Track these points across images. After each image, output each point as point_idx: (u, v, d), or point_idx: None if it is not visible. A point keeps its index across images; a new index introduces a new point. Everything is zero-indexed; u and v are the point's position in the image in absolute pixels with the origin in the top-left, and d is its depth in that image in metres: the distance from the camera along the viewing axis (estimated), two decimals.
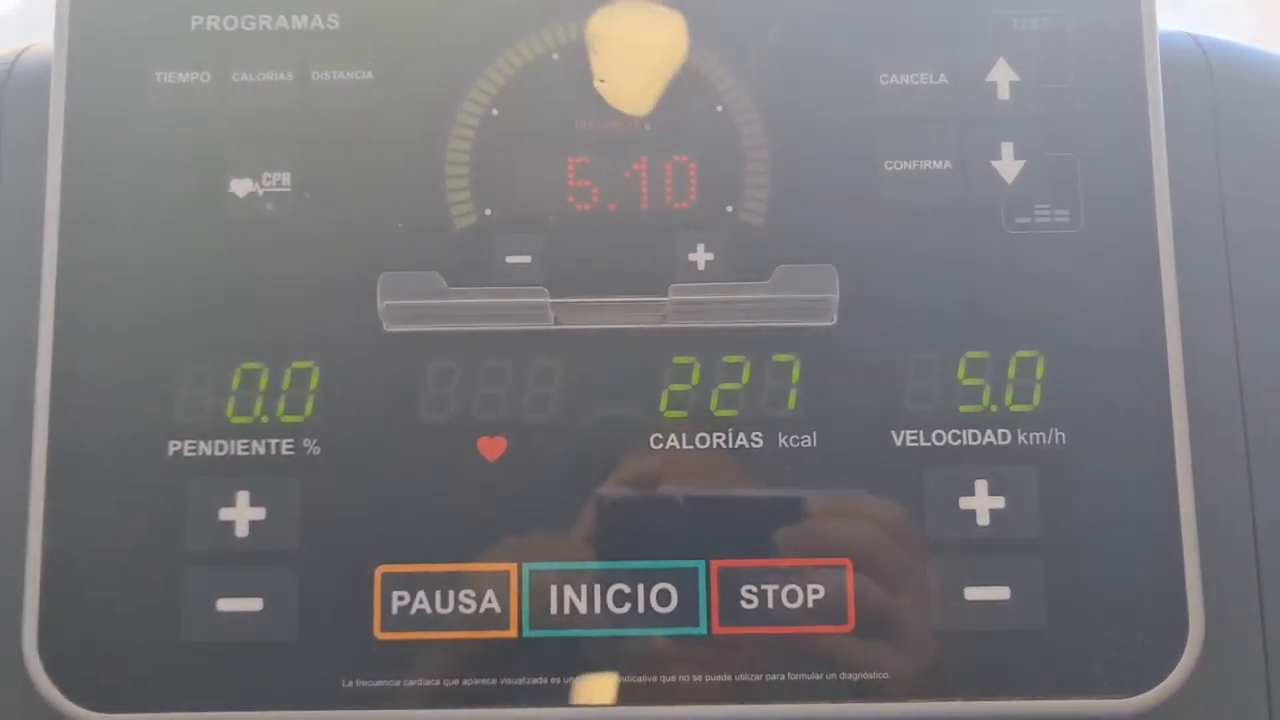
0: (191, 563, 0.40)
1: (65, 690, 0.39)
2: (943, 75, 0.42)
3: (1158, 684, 0.39)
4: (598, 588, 0.40)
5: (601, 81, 0.42)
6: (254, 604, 0.40)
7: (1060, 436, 0.40)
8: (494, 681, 0.39)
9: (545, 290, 0.41)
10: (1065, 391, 0.41)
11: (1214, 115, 0.44)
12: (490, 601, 0.40)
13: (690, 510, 0.40)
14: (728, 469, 0.40)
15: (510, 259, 0.41)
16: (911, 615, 0.39)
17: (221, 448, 0.41)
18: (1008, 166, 0.42)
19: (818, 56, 0.42)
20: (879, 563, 0.40)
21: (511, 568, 0.40)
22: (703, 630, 0.39)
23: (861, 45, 0.42)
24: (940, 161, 0.42)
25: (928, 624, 0.39)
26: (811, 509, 0.40)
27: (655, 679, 0.39)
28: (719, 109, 0.42)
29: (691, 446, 0.40)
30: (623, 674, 0.39)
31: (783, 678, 0.39)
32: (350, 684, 0.39)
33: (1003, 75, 0.42)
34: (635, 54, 0.42)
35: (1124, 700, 0.39)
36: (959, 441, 0.40)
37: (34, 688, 0.39)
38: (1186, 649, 0.39)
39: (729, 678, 0.39)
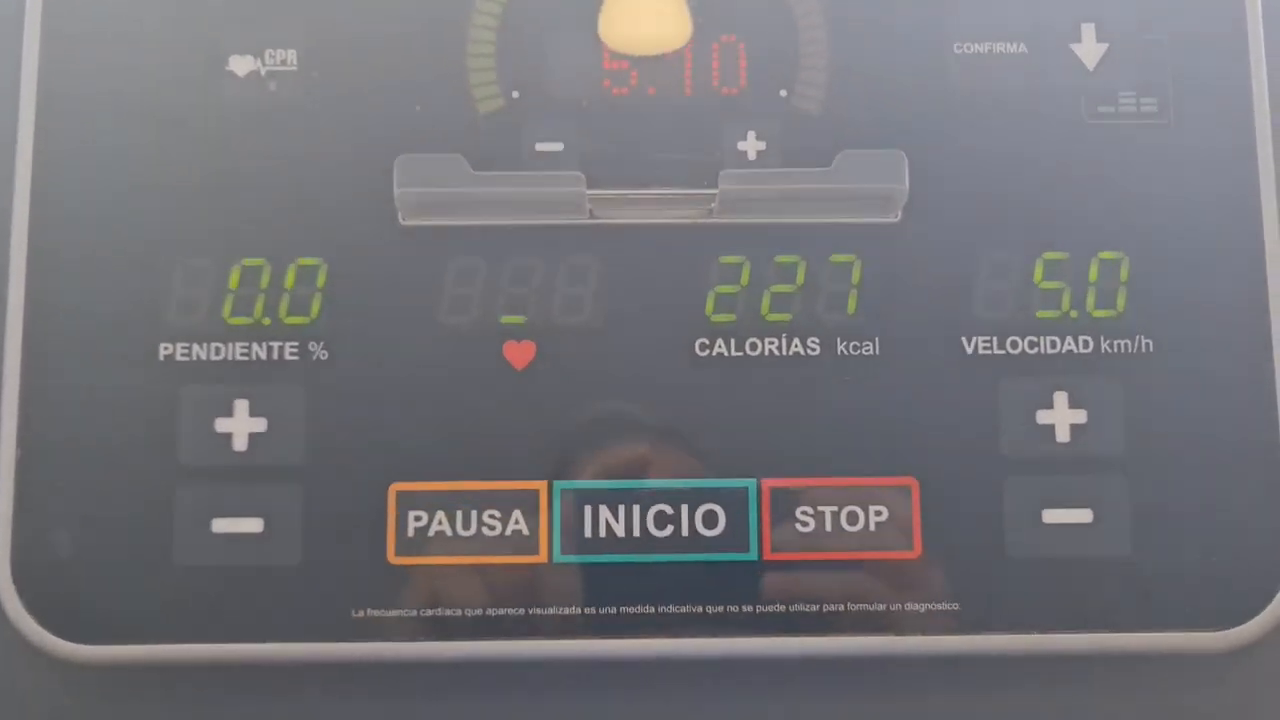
0: (184, 478, 0.36)
1: (42, 620, 0.35)
2: None
3: (1254, 617, 0.35)
4: (636, 509, 0.36)
5: None
6: (254, 525, 0.36)
7: (1147, 344, 0.37)
8: (521, 611, 0.35)
9: (581, 178, 0.37)
10: (1152, 296, 0.37)
11: None
12: (517, 523, 0.36)
13: (739, 424, 0.36)
14: (781, 378, 0.36)
15: (540, 146, 0.37)
16: (985, 540, 0.36)
17: (218, 351, 0.36)
18: (1089, 50, 0.38)
19: None
20: (949, 482, 0.36)
21: (541, 486, 0.36)
22: (753, 555, 0.36)
23: None
24: (1014, 44, 0.38)
25: (1002, 550, 0.36)
26: (874, 423, 0.36)
27: (700, 609, 0.35)
28: None
29: (740, 353, 0.37)
30: (664, 604, 0.35)
31: (842, 608, 0.35)
32: (361, 614, 0.35)
33: None
34: None
35: (1217, 634, 0.35)
36: (1036, 350, 0.37)
37: (6, 617, 0.35)
38: None
39: (782, 608, 0.35)
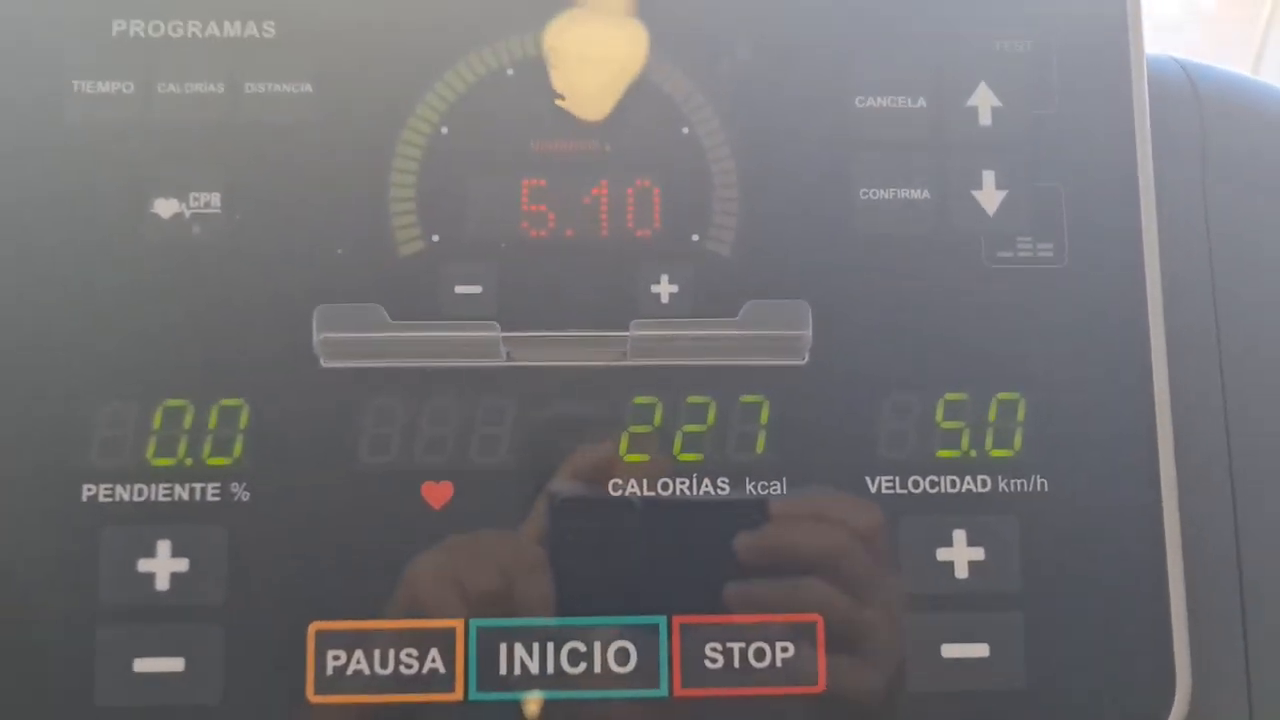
0: (107, 618, 0.36)
1: None
2: (921, 99, 0.40)
3: None
4: (550, 646, 0.37)
5: (561, 99, 0.39)
6: (175, 664, 0.36)
7: (1043, 484, 0.38)
8: None
9: (497, 324, 0.38)
10: (1048, 436, 0.38)
11: (1201, 140, 0.43)
12: (434, 661, 0.37)
13: (650, 561, 0.37)
14: (691, 517, 0.38)
15: (459, 289, 0.38)
16: (886, 675, 0.37)
17: (141, 492, 0.37)
18: (989, 196, 0.40)
19: (790, 76, 0.40)
20: (852, 619, 0.37)
21: (458, 624, 0.37)
22: (664, 692, 0.37)
23: (836, 65, 0.40)
24: (918, 190, 0.40)
25: (903, 685, 0.37)
26: (780, 560, 0.37)
27: None
28: (684, 130, 0.39)
29: (653, 493, 0.38)
30: None
31: None
32: None
33: (984, 100, 0.40)
34: (594, 65, 0.39)
35: None
36: (936, 489, 0.38)
37: None
38: (1174, 709, 0.37)
39: None
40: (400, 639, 0.37)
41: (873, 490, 0.38)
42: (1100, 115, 0.40)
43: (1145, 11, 0.40)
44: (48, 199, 0.38)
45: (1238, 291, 0.41)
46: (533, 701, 0.36)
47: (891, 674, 0.37)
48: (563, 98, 0.39)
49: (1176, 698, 0.37)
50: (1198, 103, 0.43)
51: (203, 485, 0.37)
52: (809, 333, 0.38)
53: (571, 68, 0.40)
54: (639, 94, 0.39)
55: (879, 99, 0.40)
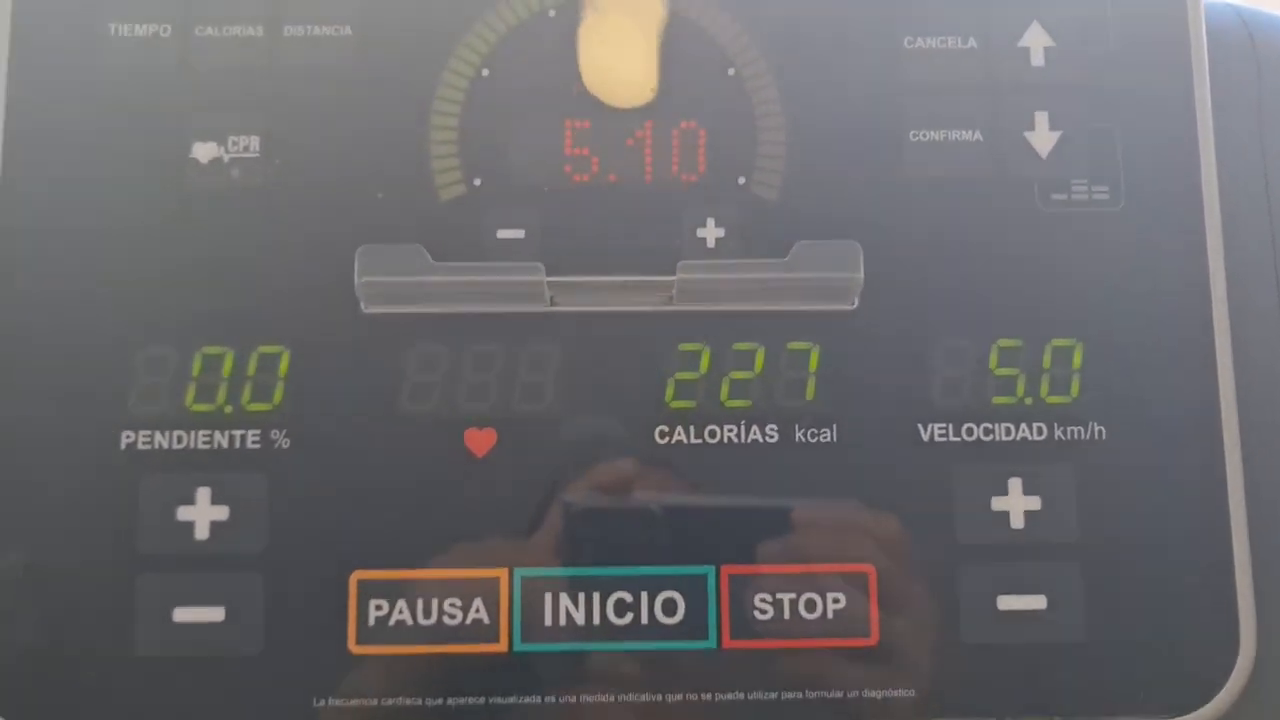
0: (146, 567, 0.36)
1: (3, 710, 0.35)
2: (972, 39, 0.39)
3: (1206, 704, 0.36)
4: (596, 596, 0.36)
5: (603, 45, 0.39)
6: (215, 614, 0.36)
7: (1100, 431, 0.37)
8: (481, 700, 0.35)
9: (541, 267, 0.37)
10: (1105, 383, 0.37)
11: (1257, 87, 0.41)
12: (478, 611, 0.36)
13: (698, 511, 0.37)
14: (739, 465, 0.37)
15: (502, 234, 0.38)
16: (940, 627, 0.36)
17: (180, 440, 0.37)
18: (1042, 138, 0.39)
19: (838, 17, 0.39)
20: (905, 570, 0.36)
21: (501, 574, 0.36)
22: (712, 643, 0.36)
23: (885, 5, 0.39)
24: (970, 132, 0.39)
25: (957, 637, 0.36)
26: (831, 510, 0.37)
27: (659, 698, 0.35)
28: (730, 72, 0.39)
29: (700, 440, 0.37)
30: (623, 693, 0.36)
31: (800, 696, 0.36)
32: (321, 703, 0.35)
33: (1036, 40, 0.39)
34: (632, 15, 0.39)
35: None
36: (991, 436, 0.37)
37: None
38: (1237, 665, 0.36)
39: (741, 696, 0.36)
40: (444, 589, 0.36)
41: (925, 439, 0.37)
42: (1156, 55, 0.39)
43: None
44: (86, 143, 0.38)
45: None
46: None
47: (946, 627, 0.36)
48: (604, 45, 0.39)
49: (1240, 657, 0.36)
50: (1253, 48, 0.42)
51: (242, 432, 0.37)
52: (860, 275, 0.37)
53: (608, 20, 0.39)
54: (684, 35, 0.39)
55: (929, 39, 0.39)
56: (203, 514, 0.36)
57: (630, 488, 0.36)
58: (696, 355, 0.37)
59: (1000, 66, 0.39)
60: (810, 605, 0.36)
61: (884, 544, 0.36)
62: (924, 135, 0.39)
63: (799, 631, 0.36)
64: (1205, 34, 0.39)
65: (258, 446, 0.37)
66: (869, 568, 0.36)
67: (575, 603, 0.36)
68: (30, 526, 0.36)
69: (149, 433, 0.37)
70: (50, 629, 0.35)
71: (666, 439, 0.37)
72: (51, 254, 0.37)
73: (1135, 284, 0.38)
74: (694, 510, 0.36)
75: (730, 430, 0.37)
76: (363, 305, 0.37)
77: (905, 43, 0.39)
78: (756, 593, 0.36)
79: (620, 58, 0.38)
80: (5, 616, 0.35)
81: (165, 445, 0.37)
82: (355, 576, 0.36)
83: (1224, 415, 0.37)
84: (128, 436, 0.37)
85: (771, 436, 0.37)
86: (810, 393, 0.37)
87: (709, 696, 0.36)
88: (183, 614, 0.36)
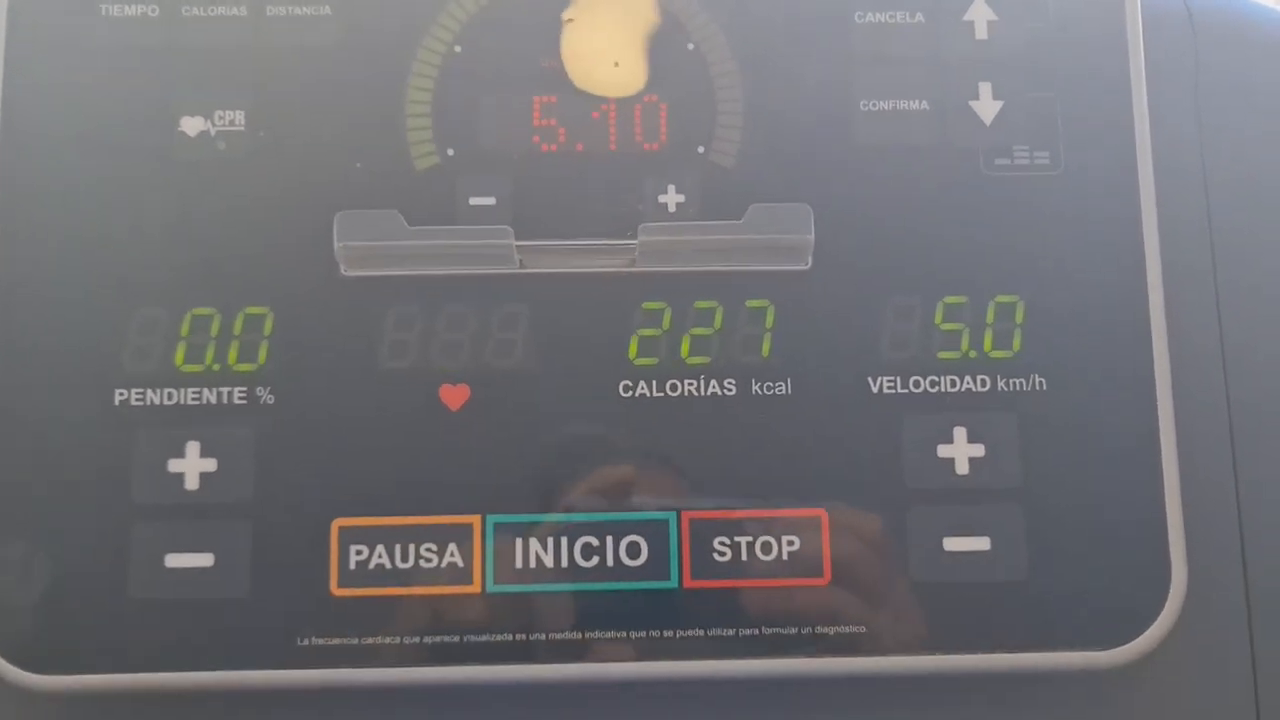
0: (139, 516, 0.38)
1: (3, 651, 0.37)
2: (919, 14, 0.41)
3: (1139, 636, 0.38)
4: (564, 540, 0.38)
5: (569, 20, 0.41)
6: (204, 559, 0.38)
7: (1040, 382, 0.39)
8: (457, 639, 0.37)
9: (510, 231, 0.39)
10: (1045, 336, 0.39)
11: (1194, 58, 0.44)
12: (452, 555, 0.38)
13: (660, 460, 0.39)
14: (699, 417, 0.39)
15: (474, 200, 0.40)
16: (889, 567, 0.38)
17: (171, 396, 0.39)
18: (986, 107, 0.41)
19: None
20: (855, 513, 0.38)
21: (475, 520, 0.38)
22: (674, 584, 0.38)
23: None
24: (917, 102, 0.41)
25: (906, 576, 0.38)
26: (786, 458, 0.39)
27: (625, 634, 0.38)
28: (690, 47, 0.41)
29: (662, 394, 0.39)
30: (590, 630, 0.38)
31: (757, 632, 0.38)
32: (306, 642, 0.37)
33: (980, 14, 0.41)
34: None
35: (1106, 653, 0.38)
36: (937, 388, 0.39)
37: None
38: (1168, 600, 0.38)
39: (701, 632, 0.38)
40: (420, 534, 0.38)
41: (875, 390, 0.39)
42: (1094, 28, 0.41)
43: None
44: (79, 117, 0.40)
45: (1229, 193, 0.42)
46: None
47: (895, 567, 0.38)
48: (571, 20, 0.41)
49: (1171, 589, 0.38)
50: (1191, 23, 0.44)
51: (229, 389, 0.39)
52: (811, 237, 0.39)
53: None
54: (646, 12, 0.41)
55: (878, 14, 0.41)
56: (192, 466, 0.38)
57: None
58: (659, 314, 0.39)
59: (946, 39, 0.41)
60: (766, 548, 0.38)
61: (835, 489, 0.38)
62: (874, 105, 0.41)
63: (756, 572, 0.38)
64: (1140, 9, 0.41)
65: (244, 402, 0.39)
66: (821, 511, 0.38)
67: (544, 546, 0.38)
68: (30, 479, 0.38)
69: (141, 390, 0.39)
70: (50, 575, 0.37)
71: (630, 393, 0.39)
72: (48, 222, 0.39)
73: (1074, 244, 0.40)
74: (656, 459, 0.39)
75: (690, 384, 0.39)
76: (342, 268, 0.39)
77: (856, 17, 0.41)
78: (715, 536, 0.38)
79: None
80: (7, 564, 0.37)
81: (156, 401, 0.39)
82: (336, 524, 0.38)
83: (1157, 367, 0.39)
84: (121, 394, 0.39)
85: (730, 390, 0.39)
86: (766, 349, 0.39)
87: (671, 633, 0.38)
88: (174, 559, 0.38)
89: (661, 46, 0.41)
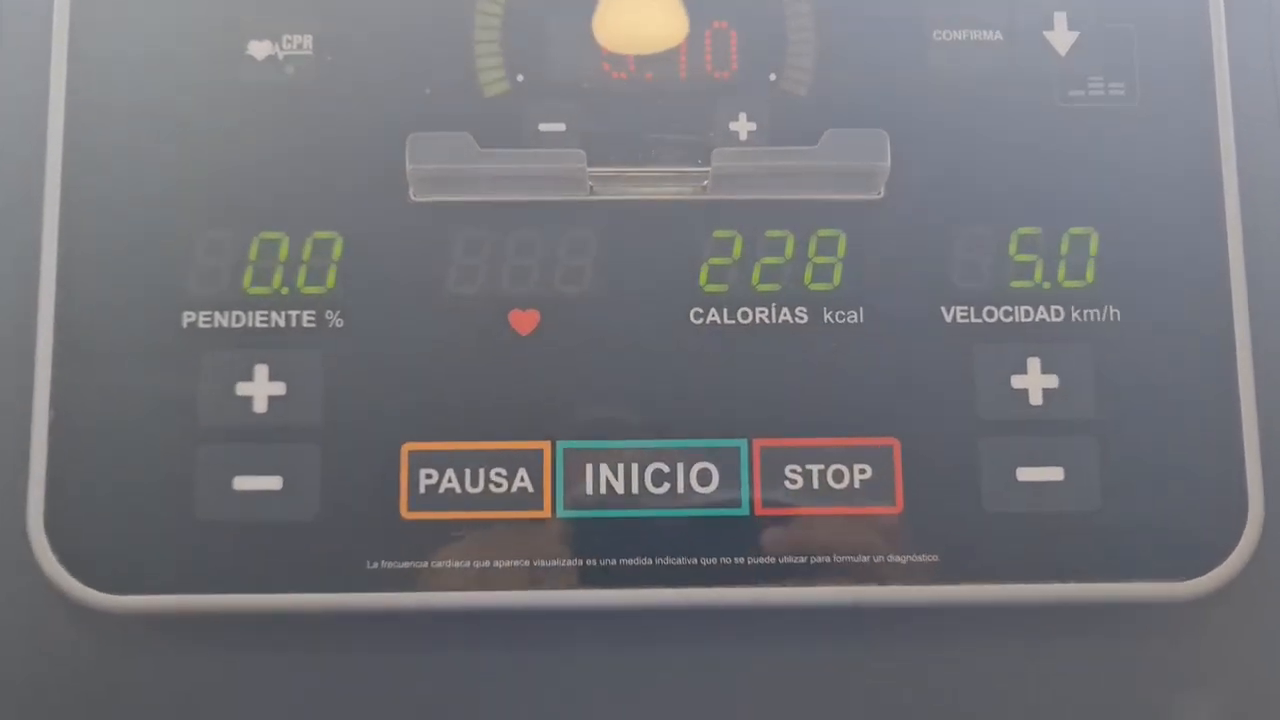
0: (207, 439, 0.38)
1: (73, 571, 0.37)
2: None
3: (1215, 568, 0.37)
4: (635, 466, 0.38)
5: None
6: (273, 482, 0.38)
7: (1115, 314, 0.39)
8: (526, 563, 0.37)
9: (583, 155, 0.39)
10: (1120, 268, 0.39)
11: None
12: (522, 480, 0.38)
13: (732, 388, 0.38)
14: (771, 345, 0.39)
15: (544, 126, 0.39)
16: (962, 496, 0.38)
17: (239, 319, 0.38)
18: (1060, 37, 0.40)
19: None
20: (929, 443, 0.38)
21: (545, 446, 0.38)
22: (745, 511, 0.38)
23: None
24: (990, 31, 0.40)
25: (979, 506, 0.38)
26: (858, 387, 0.38)
27: (695, 561, 0.37)
28: None
29: (733, 321, 0.39)
30: (660, 556, 0.37)
31: (828, 560, 0.37)
32: (375, 565, 0.37)
33: None
34: None
35: (1181, 584, 0.37)
36: (1011, 318, 0.39)
37: (40, 568, 0.37)
38: (1245, 532, 0.38)
39: (772, 560, 0.37)
40: (490, 459, 0.38)
41: (948, 320, 0.39)
42: None
43: None
44: (147, 44, 0.40)
45: None
46: None
47: (968, 496, 0.38)
48: None
49: (1248, 524, 0.38)
50: None
51: (298, 312, 0.39)
52: (886, 163, 0.39)
53: None
54: None
55: None
56: (261, 389, 0.38)
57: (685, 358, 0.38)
58: (729, 242, 0.39)
59: None
60: (838, 476, 0.38)
61: (909, 418, 0.38)
62: (947, 35, 0.40)
63: (827, 500, 0.38)
64: None
65: (313, 326, 0.38)
66: (894, 441, 0.38)
67: (615, 472, 0.38)
68: (99, 401, 0.38)
69: (209, 312, 0.38)
70: (117, 495, 0.37)
71: (701, 320, 0.39)
72: (116, 146, 0.39)
73: (1149, 176, 0.40)
74: (727, 387, 0.38)
75: (762, 312, 0.39)
76: (411, 193, 0.39)
77: None
78: (787, 464, 0.38)
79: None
80: (76, 483, 0.37)
81: (224, 324, 0.38)
82: (406, 448, 0.38)
83: (1234, 297, 0.39)
84: (189, 316, 0.38)
85: (801, 318, 0.39)
86: (838, 278, 0.39)
87: (741, 560, 0.37)
88: (242, 482, 0.38)
89: None
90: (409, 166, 0.39)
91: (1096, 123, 0.40)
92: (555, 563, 0.37)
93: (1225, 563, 0.37)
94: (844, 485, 0.38)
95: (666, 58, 0.40)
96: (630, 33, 0.40)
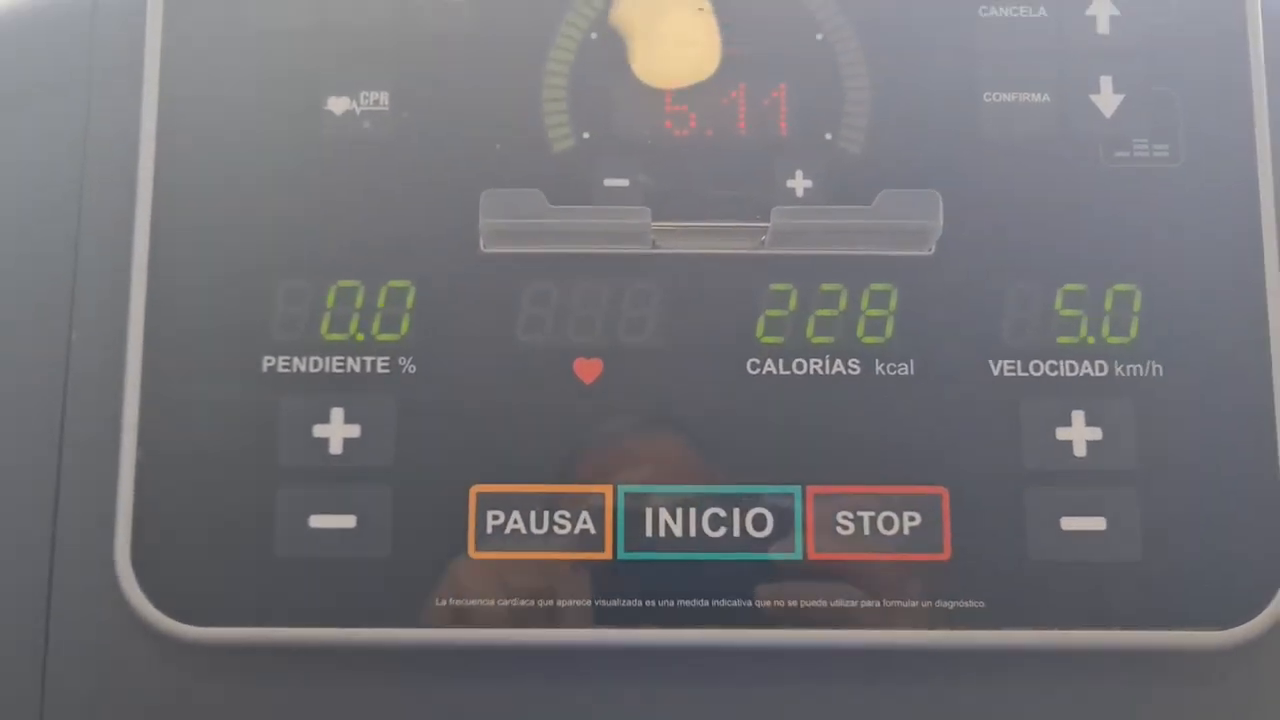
0: (285, 479, 0.40)
1: (157, 602, 0.39)
2: (1042, 8, 0.42)
3: (1254, 617, 0.39)
4: (693, 511, 0.40)
5: (700, 10, 0.42)
6: (347, 521, 0.39)
7: (1157, 369, 0.40)
8: (588, 603, 0.39)
9: (648, 211, 0.41)
10: (1162, 324, 0.40)
11: None
12: (585, 523, 0.40)
13: (786, 436, 0.40)
14: (824, 395, 0.40)
15: (609, 182, 0.41)
16: (1008, 544, 0.39)
17: (316, 364, 0.40)
18: (1106, 100, 0.42)
19: None
20: (976, 492, 0.39)
21: (607, 489, 0.40)
22: (798, 555, 0.39)
23: None
24: (1039, 94, 0.42)
25: (1024, 554, 0.39)
26: (908, 437, 0.40)
27: (750, 603, 0.39)
28: (819, 37, 0.42)
29: (788, 372, 0.40)
30: (717, 598, 0.39)
31: (878, 604, 0.39)
32: (444, 603, 0.39)
33: (1102, 9, 0.42)
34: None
35: (1220, 633, 0.39)
36: (1056, 372, 0.40)
37: (126, 599, 0.39)
38: None
39: (824, 603, 0.39)
40: (554, 502, 0.40)
41: (996, 374, 0.40)
42: (1215, 25, 0.42)
43: None
44: (232, 98, 0.42)
45: None
46: None
47: (1013, 544, 0.39)
48: (702, 10, 0.42)
49: None
50: None
51: (373, 358, 0.40)
52: (939, 222, 0.41)
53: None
54: (777, 3, 0.42)
55: (1002, 8, 0.42)
56: (336, 431, 0.40)
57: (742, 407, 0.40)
58: (786, 295, 0.41)
59: (1068, 33, 0.42)
60: (888, 523, 0.39)
61: (957, 468, 0.40)
62: (997, 97, 0.42)
63: (877, 546, 0.39)
64: (1261, 6, 0.42)
65: (387, 371, 0.40)
66: (942, 490, 0.40)
67: (674, 516, 0.40)
68: (186, 441, 0.40)
69: (288, 357, 0.40)
70: (200, 532, 0.39)
71: (757, 370, 0.40)
72: (203, 199, 0.41)
73: (1192, 234, 0.41)
74: (782, 435, 0.40)
75: (816, 363, 0.40)
76: (482, 245, 0.41)
77: (980, 11, 0.42)
78: (839, 510, 0.40)
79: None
80: (162, 519, 0.39)
81: (303, 369, 0.40)
82: (474, 489, 0.40)
83: (1273, 352, 0.40)
84: (269, 361, 0.40)
85: (854, 370, 0.40)
86: (890, 330, 0.41)
87: (795, 603, 0.39)
88: (318, 520, 0.39)
89: (790, 37, 0.42)
90: (482, 221, 0.41)
91: (1140, 183, 0.41)
92: (615, 602, 0.39)
93: (1265, 610, 0.39)
94: (894, 532, 0.39)
95: (727, 113, 0.42)
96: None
